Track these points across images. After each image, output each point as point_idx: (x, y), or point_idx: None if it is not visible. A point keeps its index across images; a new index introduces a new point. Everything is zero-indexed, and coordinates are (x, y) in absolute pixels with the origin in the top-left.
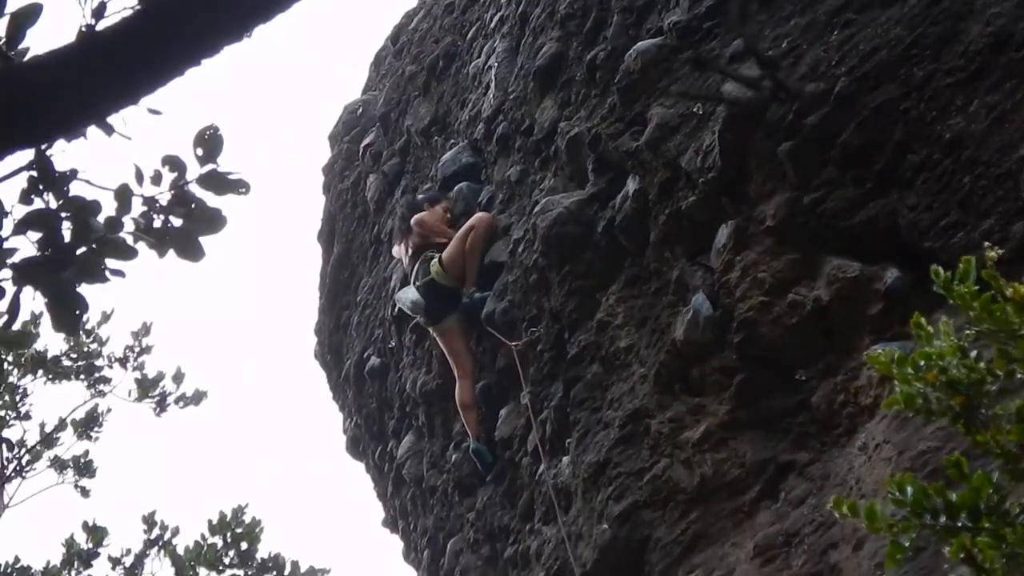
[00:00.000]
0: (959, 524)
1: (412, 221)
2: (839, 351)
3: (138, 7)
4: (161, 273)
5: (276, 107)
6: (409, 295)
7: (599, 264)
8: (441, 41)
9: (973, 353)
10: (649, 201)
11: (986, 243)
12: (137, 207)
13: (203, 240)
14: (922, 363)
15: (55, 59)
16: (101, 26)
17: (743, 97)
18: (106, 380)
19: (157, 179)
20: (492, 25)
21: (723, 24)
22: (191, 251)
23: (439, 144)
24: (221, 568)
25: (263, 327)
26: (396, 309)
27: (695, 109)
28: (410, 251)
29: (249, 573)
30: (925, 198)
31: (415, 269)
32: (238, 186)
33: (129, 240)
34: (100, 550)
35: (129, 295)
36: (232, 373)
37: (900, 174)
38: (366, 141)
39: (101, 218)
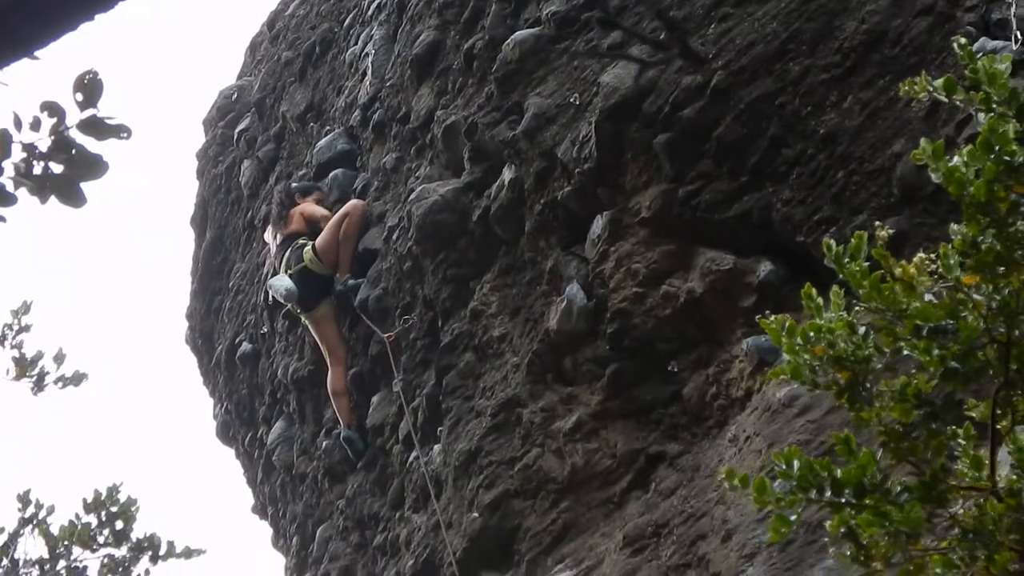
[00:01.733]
0: (843, 500)
1: (294, 211)
2: (712, 343)
3: None
4: (43, 255)
5: (148, 91)
6: (283, 283)
7: (474, 253)
8: (318, 27)
9: (861, 330)
10: (525, 190)
11: (876, 223)
12: (17, 154)
13: (85, 187)
14: (812, 335)
15: None
16: None
17: (621, 86)
18: None
19: (36, 125)
20: (370, 12)
21: (601, 15)
22: (73, 197)
23: (314, 131)
24: (95, 547)
25: (141, 311)
26: (269, 296)
27: (572, 99)
28: (279, 238)
29: (124, 552)
30: (799, 192)
31: (286, 256)
32: (119, 131)
33: (9, 186)
34: None
35: (9, 275)
36: (112, 355)
37: (775, 168)
38: (241, 127)
39: None
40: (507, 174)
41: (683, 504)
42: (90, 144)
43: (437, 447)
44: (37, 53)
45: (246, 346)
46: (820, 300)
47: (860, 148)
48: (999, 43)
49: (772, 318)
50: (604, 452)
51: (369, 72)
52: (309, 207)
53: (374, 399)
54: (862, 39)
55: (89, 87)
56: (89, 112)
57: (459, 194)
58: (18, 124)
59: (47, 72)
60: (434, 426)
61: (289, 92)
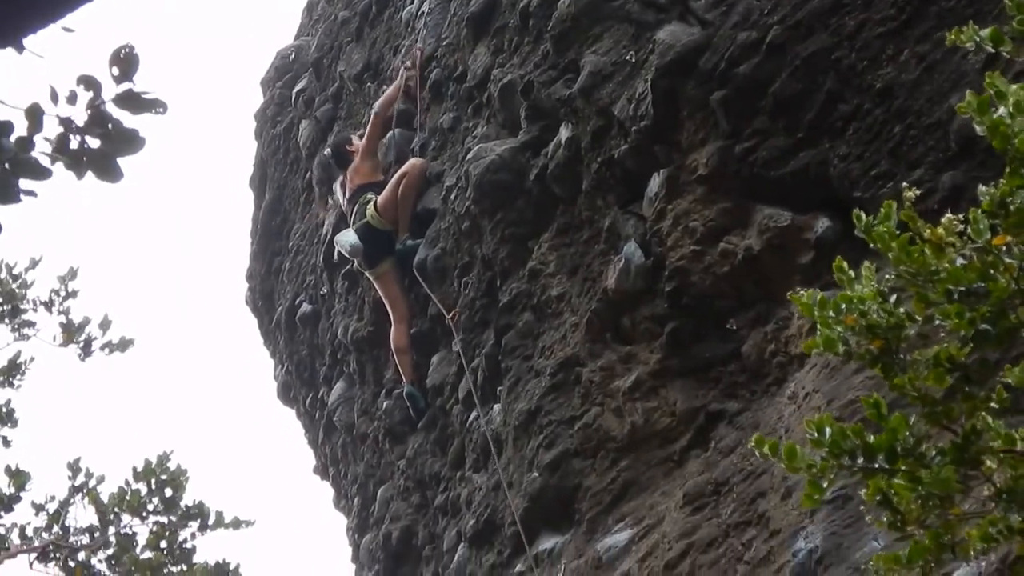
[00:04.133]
0: (876, 466)
1: (352, 167)
2: (770, 300)
3: None
4: (90, 220)
5: (207, 50)
6: (348, 238)
7: (531, 212)
8: None
9: (893, 298)
10: (582, 149)
11: (904, 183)
12: (53, 128)
13: (122, 162)
14: (843, 307)
15: None
16: None
17: (677, 43)
18: (30, 324)
19: (72, 99)
20: None
21: None
22: (109, 172)
23: (372, 90)
24: (145, 515)
25: (194, 273)
26: (333, 254)
27: (628, 57)
28: (348, 193)
29: (173, 520)
30: (856, 148)
31: (353, 211)
32: (154, 105)
33: (45, 161)
34: (22, 495)
35: (56, 242)
36: (161, 320)
37: (831, 124)
38: (298, 87)
39: (13, 138)
40: (564, 133)
41: (743, 462)
42: (126, 119)
43: (497, 407)
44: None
45: (306, 307)
46: (851, 272)
47: (917, 102)
48: None
49: (803, 292)
50: (663, 411)
51: (425, 31)
52: (366, 144)
53: (434, 359)
54: None
55: (125, 61)
56: (125, 86)
57: (516, 153)
58: (54, 97)
59: (84, 45)
60: (494, 386)
61: (346, 52)
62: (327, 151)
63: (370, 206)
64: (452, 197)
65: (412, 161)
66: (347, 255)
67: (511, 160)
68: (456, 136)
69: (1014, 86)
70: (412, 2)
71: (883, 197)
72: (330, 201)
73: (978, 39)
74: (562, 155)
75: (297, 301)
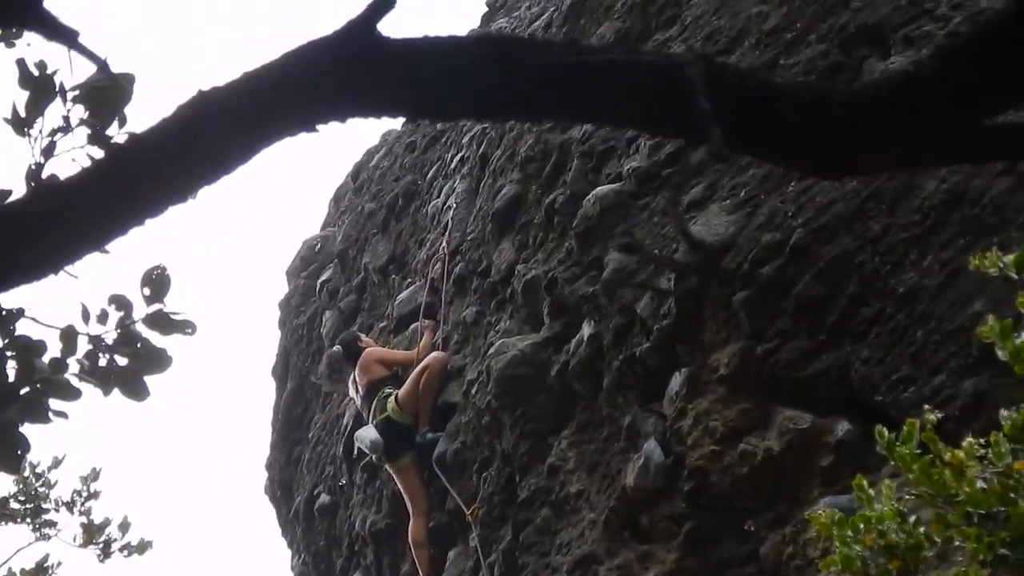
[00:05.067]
0: None
1: (368, 358)
2: (789, 502)
3: (91, 163)
4: (112, 418)
5: (234, 241)
6: (369, 434)
7: (552, 408)
8: (401, 180)
9: (912, 518)
10: (603, 346)
11: (926, 406)
12: (83, 345)
13: (149, 380)
14: (861, 526)
15: (5, 211)
16: (48, 170)
17: (695, 261)
18: (52, 524)
19: (103, 318)
20: (452, 165)
21: (682, 172)
22: (136, 390)
23: (396, 283)
24: None
25: (215, 468)
26: (353, 448)
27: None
28: (362, 391)
29: None
30: (877, 351)
31: (372, 408)
32: (184, 327)
33: (74, 381)
34: None
35: (80, 439)
36: (181, 517)
37: (853, 327)
38: (323, 277)
39: (46, 358)
40: (586, 329)
41: None
42: (155, 338)
43: None
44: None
45: (324, 498)
46: (871, 492)
47: (940, 307)
48: None
49: (821, 512)
50: None
51: (451, 225)
52: (381, 351)
53: (451, 554)
54: (942, 198)
55: (157, 282)
56: (155, 307)
57: (538, 349)
58: (86, 317)
59: (116, 264)
60: None
61: (372, 243)
62: (336, 347)
63: (391, 400)
64: (473, 391)
65: (435, 354)
66: (367, 452)
67: (533, 355)
68: (479, 330)
69: None
70: (438, 196)
71: (905, 401)
72: (347, 395)
73: (1002, 265)
74: (584, 352)
75: (316, 492)
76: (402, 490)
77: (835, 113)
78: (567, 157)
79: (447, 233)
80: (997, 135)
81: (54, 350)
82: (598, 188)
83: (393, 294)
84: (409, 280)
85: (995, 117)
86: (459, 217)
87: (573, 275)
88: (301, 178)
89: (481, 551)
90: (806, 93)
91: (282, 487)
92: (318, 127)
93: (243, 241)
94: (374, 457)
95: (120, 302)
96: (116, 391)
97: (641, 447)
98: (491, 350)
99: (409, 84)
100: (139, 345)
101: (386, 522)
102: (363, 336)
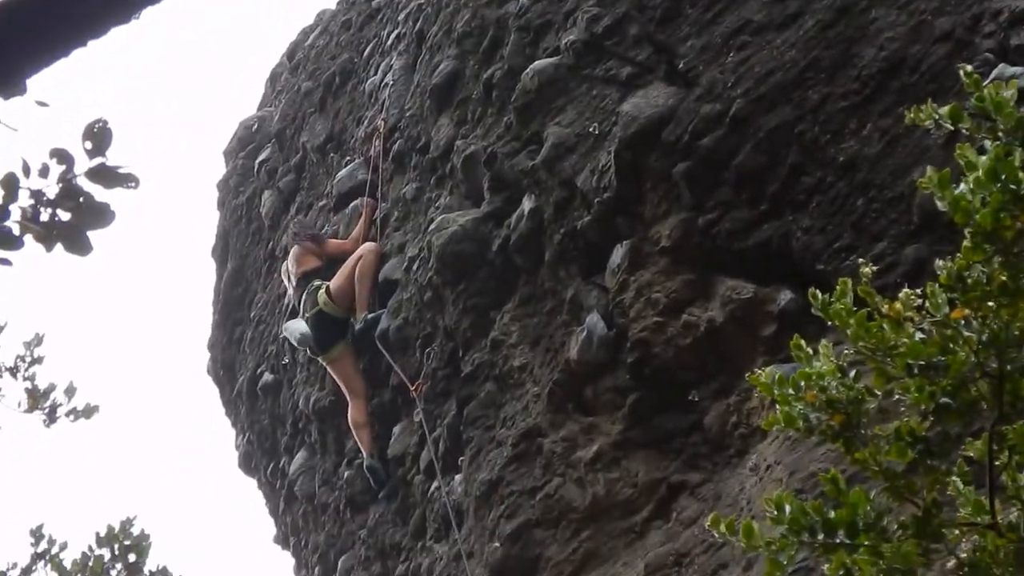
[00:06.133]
0: (837, 541)
1: (305, 248)
2: (732, 372)
3: None
4: (55, 286)
5: (169, 122)
6: (298, 327)
7: (494, 283)
8: (337, 58)
9: (852, 373)
10: (544, 220)
11: (860, 260)
12: (25, 200)
13: (92, 235)
14: (802, 383)
15: None
16: None
17: (640, 115)
18: None
19: (44, 172)
20: (389, 43)
21: (620, 44)
22: (79, 245)
23: (335, 161)
24: None
25: (157, 341)
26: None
27: (591, 129)
28: (294, 280)
29: None
30: (819, 220)
31: (302, 299)
32: (127, 180)
33: (15, 230)
34: None
35: (21, 308)
36: (125, 387)
37: (794, 196)
38: (261, 157)
39: None
40: (527, 204)
41: (704, 533)
42: (98, 192)
43: (458, 477)
44: (45, 98)
45: (268, 376)
46: (809, 350)
47: (880, 175)
48: (1018, 69)
49: (761, 372)
50: (625, 481)
51: (388, 102)
52: (328, 244)
53: (395, 429)
54: (881, 66)
55: (98, 135)
56: (98, 160)
57: (479, 224)
58: (27, 170)
59: (56, 119)
60: (455, 456)
61: (309, 122)
62: (293, 229)
63: (321, 292)
64: (415, 268)
65: (366, 245)
66: (296, 345)
67: (474, 231)
68: (419, 207)
69: (983, 157)
70: (376, 73)
71: (846, 270)
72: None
73: (937, 117)
74: (525, 226)
75: (259, 371)
76: (337, 379)
77: None
78: (504, 32)
79: (385, 110)
80: None
81: None
82: (536, 62)
83: (332, 172)
84: (348, 158)
85: None
86: (397, 94)
87: (513, 150)
88: (235, 59)
89: (426, 426)
90: None
91: (224, 367)
92: None
93: (179, 122)
94: (306, 349)
95: (61, 156)
96: (59, 247)
97: (584, 320)
98: (432, 226)
99: None
100: (81, 200)
101: (329, 399)
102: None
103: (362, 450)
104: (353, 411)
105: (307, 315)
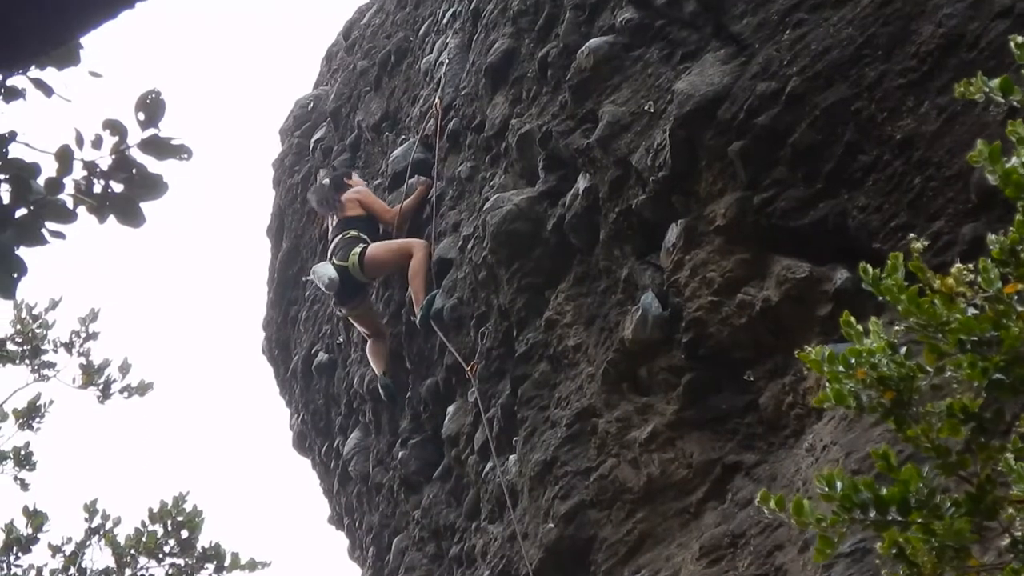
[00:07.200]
0: (889, 519)
1: (349, 195)
2: (787, 352)
3: None
4: (112, 261)
5: (226, 101)
6: (326, 271)
7: (548, 262)
8: (393, 36)
9: (903, 350)
10: (599, 199)
11: (911, 235)
12: (78, 171)
13: (145, 207)
14: (852, 360)
15: None
16: None
17: (695, 93)
18: (50, 365)
19: (98, 143)
20: (444, 21)
21: (676, 21)
22: (132, 216)
23: (390, 140)
24: (161, 556)
25: (213, 320)
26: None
27: (646, 107)
28: (335, 221)
29: (189, 562)
30: (875, 199)
31: (336, 244)
32: (179, 151)
33: (69, 203)
34: (40, 536)
35: (77, 282)
36: (180, 364)
37: (850, 174)
38: (316, 136)
39: (41, 180)
40: (581, 182)
41: (760, 514)
42: (151, 164)
43: (512, 457)
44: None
45: (322, 356)
46: (860, 327)
47: (937, 153)
48: None
49: (811, 349)
50: (680, 462)
51: (444, 81)
52: (366, 192)
53: (449, 409)
54: (939, 43)
55: (152, 106)
56: (150, 131)
57: (534, 203)
58: (80, 141)
59: (110, 90)
60: (509, 436)
61: (364, 101)
62: (325, 180)
63: (356, 251)
64: (469, 247)
65: (417, 242)
66: (322, 288)
67: (528, 210)
68: (473, 186)
69: None
70: (431, 52)
71: (902, 248)
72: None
73: (987, 90)
74: (579, 205)
75: (313, 350)
76: (359, 328)
77: None
78: (559, 10)
79: (440, 89)
80: None
81: (48, 174)
82: (591, 40)
83: (387, 151)
84: (403, 137)
85: None
86: (452, 73)
87: (567, 128)
88: (291, 38)
89: (480, 405)
90: None
91: (279, 346)
92: None
93: (235, 102)
94: (330, 296)
95: (115, 127)
96: (112, 219)
97: (639, 299)
98: (486, 205)
99: None
100: (134, 171)
101: None
102: (353, 175)
103: (376, 369)
104: (373, 344)
105: (335, 262)
